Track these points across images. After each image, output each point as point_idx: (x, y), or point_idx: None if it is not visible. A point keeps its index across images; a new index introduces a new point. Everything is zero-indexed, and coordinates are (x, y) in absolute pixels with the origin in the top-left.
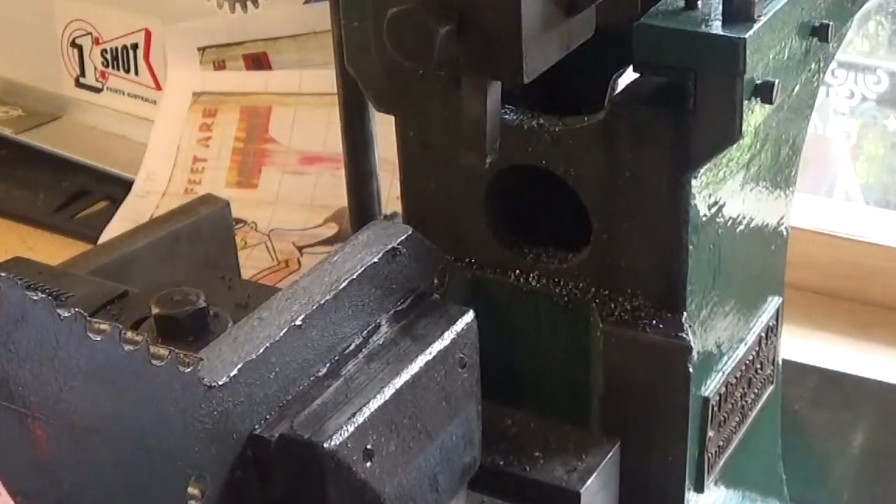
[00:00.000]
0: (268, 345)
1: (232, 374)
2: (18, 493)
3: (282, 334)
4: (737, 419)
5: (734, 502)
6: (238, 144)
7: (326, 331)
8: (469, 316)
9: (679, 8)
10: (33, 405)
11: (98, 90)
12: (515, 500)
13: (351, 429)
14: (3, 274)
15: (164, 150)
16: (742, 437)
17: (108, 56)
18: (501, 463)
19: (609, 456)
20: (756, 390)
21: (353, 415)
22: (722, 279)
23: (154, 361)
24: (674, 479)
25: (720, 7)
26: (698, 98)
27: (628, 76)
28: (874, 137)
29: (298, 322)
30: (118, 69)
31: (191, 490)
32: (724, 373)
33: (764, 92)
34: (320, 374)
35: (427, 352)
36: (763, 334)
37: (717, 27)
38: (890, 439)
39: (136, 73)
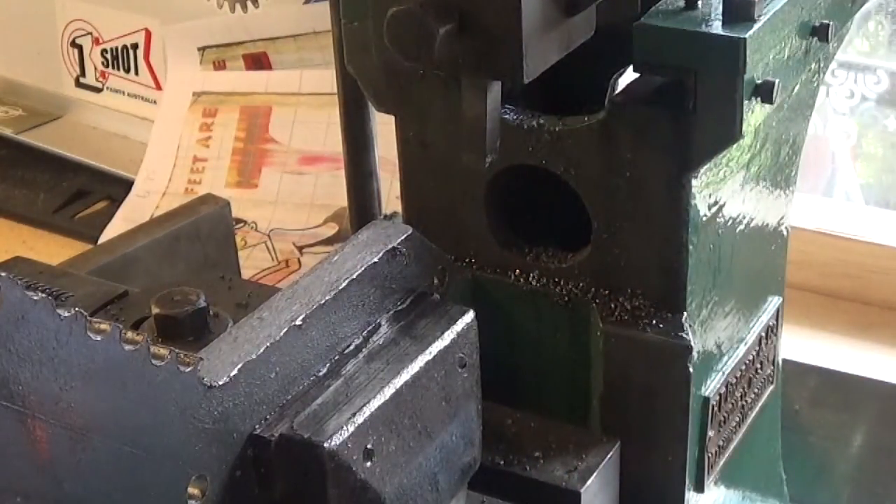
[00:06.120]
0: (268, 345)
1: (232, 374)
2: (18, 494)
3: (282, 334)
4: (737, 419)
5: (734, 502)
6: (238, 144)
7: (326, 331)
8: (469, 316)
9: (679, 8)
10: (33, 405)
11: (98, 90)
12: (515, 500)
13: (351, 429)
14: (3, 274)
15: (164, 150)
16: (742, 437)
17: (109, 56)
18: (501, 463)
19: (609, 456)
20: (756, 390)
21: (354, 415)
22: (722, 279)
23: (154, 361)
24: (674, 478)
25: (720, 7)
26: (698, 98)
27: (628, 76)
28: (874, 137)
29: (298, 322)
30: (118, 69)
31: (191, 490)
32: (724, 373)
33: (764, 92)
34: (320, 374)
35: (427, 352)
36: (763, 334)
37: (717, 27)
38: (890, 439)
39: (136, 73)
